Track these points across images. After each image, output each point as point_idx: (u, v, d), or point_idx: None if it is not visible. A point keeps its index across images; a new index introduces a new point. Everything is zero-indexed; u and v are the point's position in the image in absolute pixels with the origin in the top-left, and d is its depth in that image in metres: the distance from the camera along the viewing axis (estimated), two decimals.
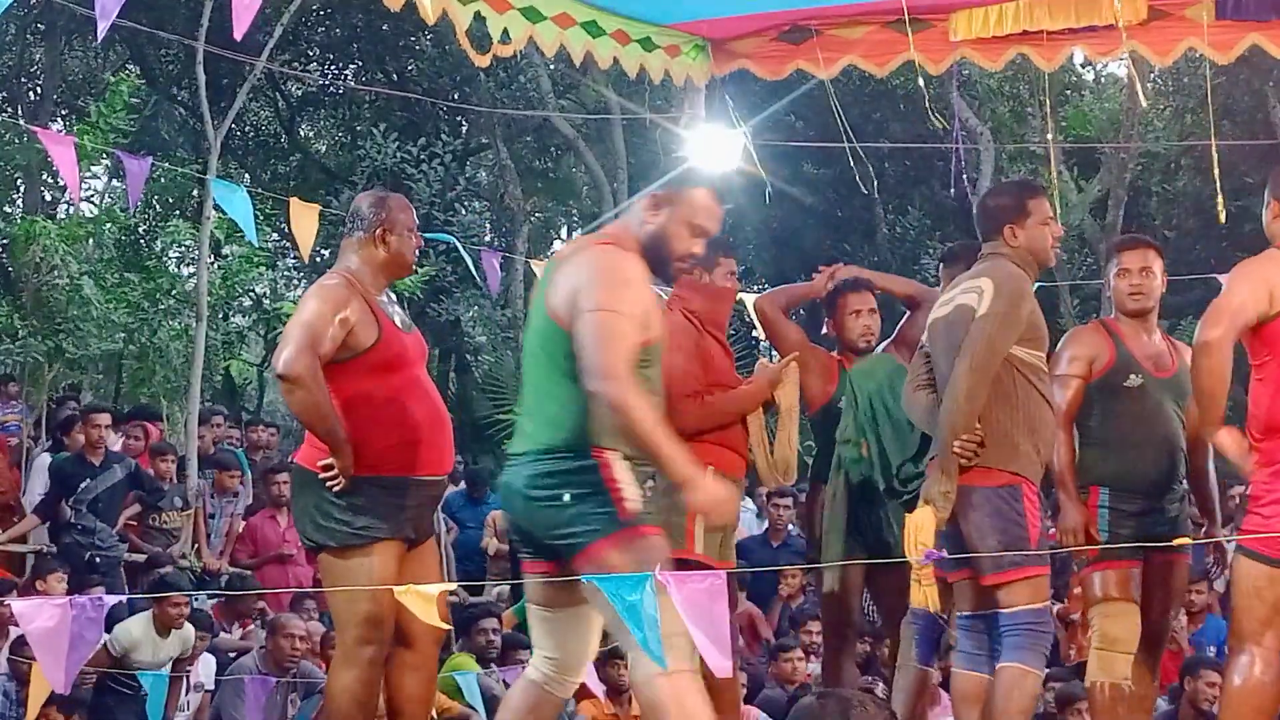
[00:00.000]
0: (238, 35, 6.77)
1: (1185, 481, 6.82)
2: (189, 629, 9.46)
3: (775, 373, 7.11)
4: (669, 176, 5.50)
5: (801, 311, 8.62)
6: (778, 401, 7.07)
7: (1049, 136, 18.24)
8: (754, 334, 15.46)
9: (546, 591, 5.14)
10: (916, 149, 20.51)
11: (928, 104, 8.30)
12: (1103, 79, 25.49)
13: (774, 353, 7.74)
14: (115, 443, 12.23)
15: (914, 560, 5.94)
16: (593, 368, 4.80)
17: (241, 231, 15.72)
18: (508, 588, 11.91)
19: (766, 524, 12.64)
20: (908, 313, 7.57)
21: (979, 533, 5.94)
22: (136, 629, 9.01)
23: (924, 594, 6.02)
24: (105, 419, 11.78)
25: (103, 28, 6.75)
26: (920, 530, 5.88)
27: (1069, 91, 25.27)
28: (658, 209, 5.17)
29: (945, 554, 6.03)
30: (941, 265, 7.19)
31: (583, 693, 9.28)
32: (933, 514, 5.87)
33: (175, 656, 9.35)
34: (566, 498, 4.90)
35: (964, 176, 21.66)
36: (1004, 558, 5.88)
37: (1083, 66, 23.46)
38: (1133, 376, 6.58)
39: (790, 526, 12.33)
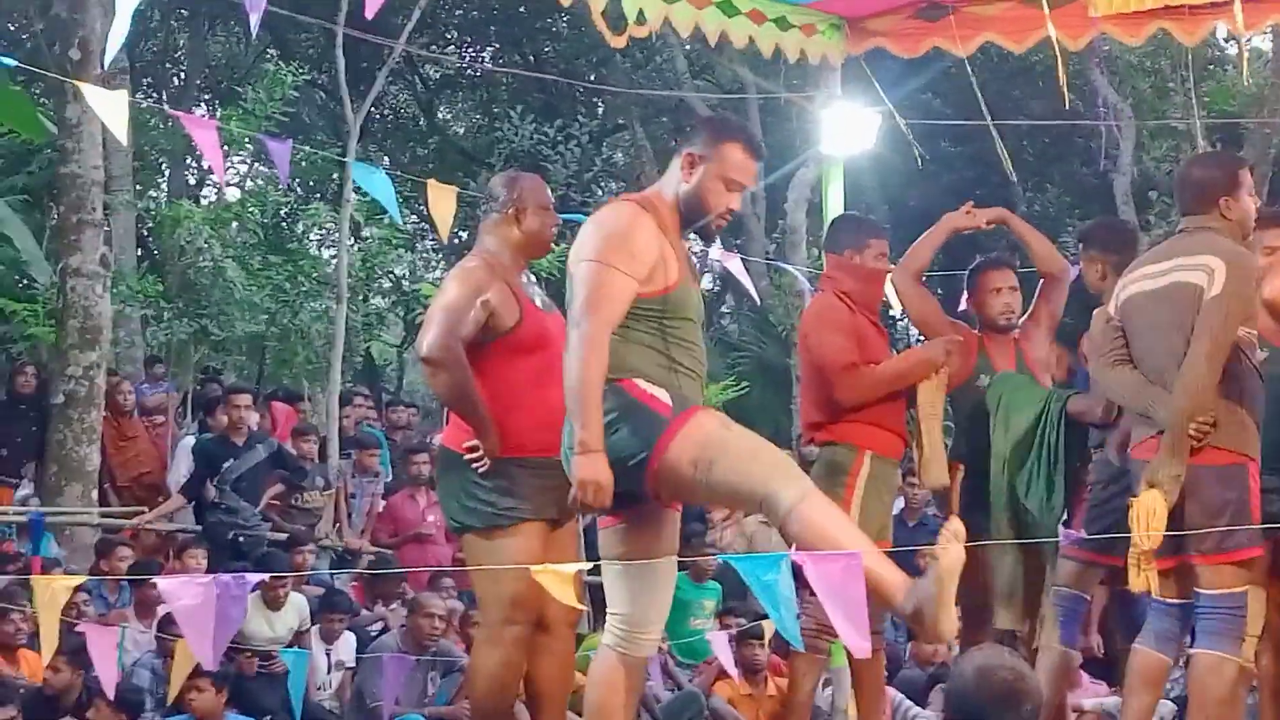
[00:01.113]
0: (369, 14, 6.86)
1: None
2: (300, 598, 9.60)
3: (938, 348, 6.97)
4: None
5: (939, 290, 8.52)
6: (920, 403, 6.93)
7: (1192, 112, 17.95)
8: (890, 312, 15.40)
9: (617, 545, 5.14)
10: (1055, 126, 20.23)
11: (1062, 82, 8.15)
12: (1246, 53, 25.00)
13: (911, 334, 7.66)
14: (255, 423, 12.40)
15: (1145, 546, 5.69)
16: (571, 314, 4.94)
17: (381, 214, 15.93)
18: None
19: (902, 503, 12.49)
20: (1040, 285, 7.47)
21: (1208, 512, 5.71)
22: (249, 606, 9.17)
23: (1145, 578, 5.82)
24: (246, 399, 11.95)
25: (255, 21, 6.88)
26: (1152, 515, 5.64)
27: (1211, 66, 24.83)
28: (693, 167, 5.16)
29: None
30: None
31: (718, 673, 9.33)
32: (1162, 497, 5.63)
33: (295, 628, 9.49)
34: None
35: (1105, 154, 21.40)
36: (1227, 538, 5.67)
37: (1226, 41, 23.04)
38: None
39: (927, 507, 12.23)
